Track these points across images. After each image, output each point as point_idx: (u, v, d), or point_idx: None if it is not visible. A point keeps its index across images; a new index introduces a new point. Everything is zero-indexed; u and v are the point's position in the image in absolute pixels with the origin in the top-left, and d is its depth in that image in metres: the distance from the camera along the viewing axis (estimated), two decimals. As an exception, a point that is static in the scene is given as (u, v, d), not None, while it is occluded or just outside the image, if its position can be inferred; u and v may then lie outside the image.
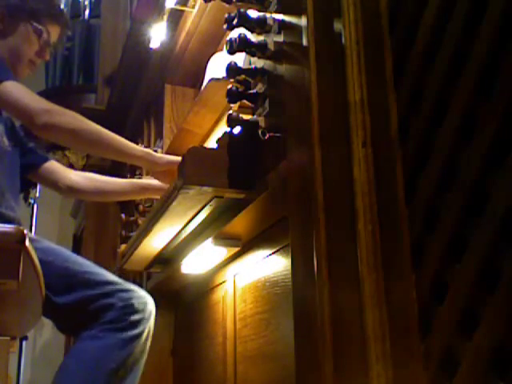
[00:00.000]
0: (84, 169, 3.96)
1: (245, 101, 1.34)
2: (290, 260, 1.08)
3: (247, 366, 1.57)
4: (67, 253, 1.59)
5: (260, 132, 1.22)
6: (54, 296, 1.39)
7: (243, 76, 1.34)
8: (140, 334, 1.47)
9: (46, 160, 1.86)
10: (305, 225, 1.03)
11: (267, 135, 1.21)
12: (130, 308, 1.46)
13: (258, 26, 1.31)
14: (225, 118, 1.37)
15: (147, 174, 2.43)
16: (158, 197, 1.88)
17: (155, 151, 2.39)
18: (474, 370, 0.81)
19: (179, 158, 1.39)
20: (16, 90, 1.49)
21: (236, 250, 1.62)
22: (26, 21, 1.73)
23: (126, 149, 1.56)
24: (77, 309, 1.48)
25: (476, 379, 0.80)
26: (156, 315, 1.55)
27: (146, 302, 1.51)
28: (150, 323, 1.52)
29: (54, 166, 1.86)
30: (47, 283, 1.27)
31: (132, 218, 2.49)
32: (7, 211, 1.55)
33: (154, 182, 1.82)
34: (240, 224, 1.44)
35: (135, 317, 1.46)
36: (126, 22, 3.81)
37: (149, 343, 1.53)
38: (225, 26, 1.34)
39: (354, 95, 1.05)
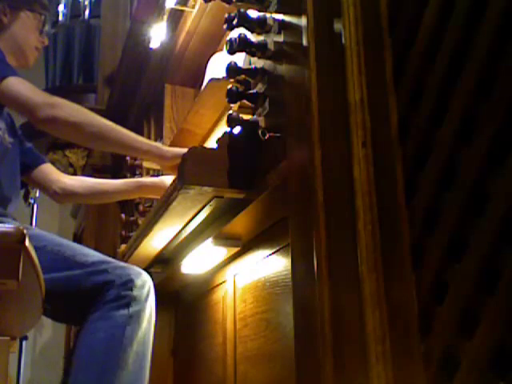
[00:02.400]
0: (84, 168, 3.97)
1: (245, 101, 1.34)
2: (290, 260, 1.08)
3: (247, 366, 1.57)
4: (59, 238, 1.58)
5: (260, 132, 1.22)
6: (48, 274, 1.36)
7: (243, 76, 1.34)
8: (144, 310, 1.45)
9: (43, 162, 1.85)
10: (305, 225, 1.03)
11: (267, 135, 1.21)
12: (130, 283, 1.44)
13: (258, 25, 1.31)
14: (225, 118, 1.37)
15: (147, 174, 2.43)
16: (154, 195, 1.89)
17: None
18: (473, 370, 0.81)
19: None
20: (18, 85, 1.49)
21: (236, 250, 1.62)
22: (24, 9, 1.77)
23: (133, 142, 1.52)
24: (73, 286, 1.46)
25: (476, 379, 0.80)
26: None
27: (144, 279, 1.49)
28: (151, 300, 1.50)
29: (48, 169, 1.85)
30: (42, 268, 1.26)
31: (132, 218, 2.49)
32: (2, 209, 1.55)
33: (148, 179, 1.82)
34: (240, 224, 1.44)
35: (137, 292, 1.44)
36: (125, 21, 3.82)
37: (153, 320, 1.51)
38: (225, 26, 1.34)
39: (354, 95, 1.05)
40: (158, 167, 2.24)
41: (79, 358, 1.43)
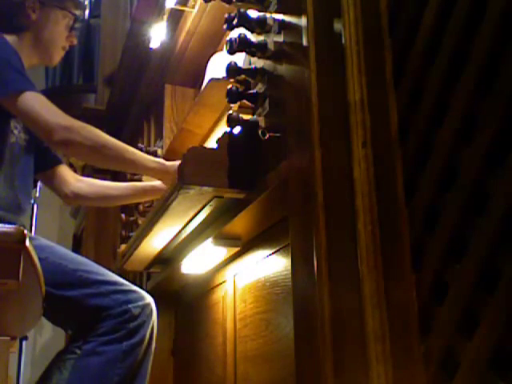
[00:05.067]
0: (84, 168, 3.97)
1: (245, 101, 1.34)
2: (290, 260, 1.08)
3: (247, 366, 1.57)
4: (64, 251, 1.57)
5: (260, 132, 1.22)
6: (49, 288, 1.36)
7: (243, 76, 1.34)
8: (141, 341, 1.45)
9: (58, 163, 1.84)
10: (305, 225, 1.03)
11: (267, 135, 1.21)
12: (128, 314, 1.44)
13: (258, 26, 1.31)
14: (225, 118, 1.37)
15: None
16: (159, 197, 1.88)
17: (155, 151, 2.39)
18: (473, 370, 0.81)
19: None
20: (35, 101, 1.47)
21: (236, 250, 1.62)
22: (55, 7, 1.74)
23: (142, 162, 1.55)
24: (71, 305, 1.46)
25: (476, 379, 0.80)
26: (156, 315, 1.55)
27: (144, 304, 1.49)
28: (152, 322, 1.50)
29: (63, 170, 1.85)
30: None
31: (132, 218, 2.49)
32: (13, 215, 1.55)
33: (156, 183, 1.82)
34: (240, 224, 1.44)
35: (134, 323, 1.44)
36: (125, 21, 3.81)
37: (153, 342, 1.51)
38: (225, 26, 1.34)
39: (354, 95, 1.05)
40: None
41: None
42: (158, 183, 1.81)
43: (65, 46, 1.79)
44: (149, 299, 1.52)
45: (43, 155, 1.78)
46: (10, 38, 1.64)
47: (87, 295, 1.45)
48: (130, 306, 1.45)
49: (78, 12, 1.80)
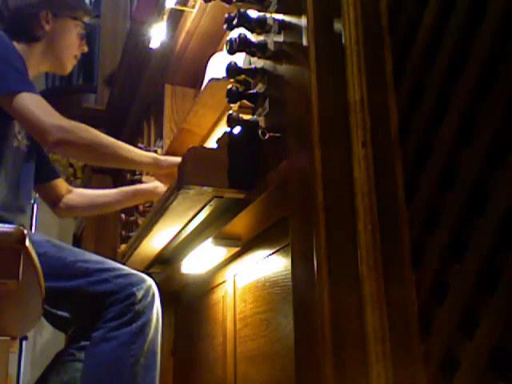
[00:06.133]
0: (84, 168, 3.97)
1: (245, 101, 1.34)
2: (289, 260, 1.08)
3: (247, 366, 1.57)
4: (61, 244, 1.57)
5: (260, 132, 1.22)
6: (49, 282, 1.36)
7: (243, 76, 1.34)
8: (149, 320, 1.46)
9: (57, 177, 1.85)
10: (305, 225, 1.03)
11: (267, 135, 1.20)
12: (132, 297, 1.44)
13: (258, 26, 1.31)
14: (225, 118, 1.37)
15: (147, 174, 2.43)
16: (149, 200, 1.91)
17: (155, 151, 2.40)
18: (473, 370, 0.81)
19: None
20: (31, 102, 1.46)
21: (236, 250, 1.62)
22: (66, 17, 1.75)
23: (137, 158, 1.56)
24: (74, 296, 1.46)
25: (476, 379, 0.80)
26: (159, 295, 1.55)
27: (147, 286, 1.49)
28: (156, 305, 1.51)
29: (60, 184, 1.86)
30: (43, 275, 1.26)
31: (132, 218, 2.49)
32: (12, 215, 1.55)
33: (143, 186, 1.83)
34: (240, 224, 1.44)
35: (139, 305, 1.44)
36: (125, 22, 3.81)
37: (160, 324, 1.52)
38: (225, 26, 1.34)
39: (354, 95, 1.05)
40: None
41: (88, 377, 1.43)
42: (141, 186, 1.83)
43: (77, 55, 1.80)
44: (149, 281, 1.52)
45: (42, 166, 1.79)
46: (18, 46, 1.64)
47: (90, 283, 1.46)
48: (133, 289, 1.46)
49: (87, 19, 1.81)
